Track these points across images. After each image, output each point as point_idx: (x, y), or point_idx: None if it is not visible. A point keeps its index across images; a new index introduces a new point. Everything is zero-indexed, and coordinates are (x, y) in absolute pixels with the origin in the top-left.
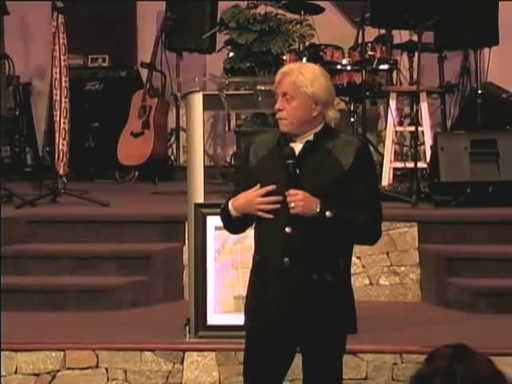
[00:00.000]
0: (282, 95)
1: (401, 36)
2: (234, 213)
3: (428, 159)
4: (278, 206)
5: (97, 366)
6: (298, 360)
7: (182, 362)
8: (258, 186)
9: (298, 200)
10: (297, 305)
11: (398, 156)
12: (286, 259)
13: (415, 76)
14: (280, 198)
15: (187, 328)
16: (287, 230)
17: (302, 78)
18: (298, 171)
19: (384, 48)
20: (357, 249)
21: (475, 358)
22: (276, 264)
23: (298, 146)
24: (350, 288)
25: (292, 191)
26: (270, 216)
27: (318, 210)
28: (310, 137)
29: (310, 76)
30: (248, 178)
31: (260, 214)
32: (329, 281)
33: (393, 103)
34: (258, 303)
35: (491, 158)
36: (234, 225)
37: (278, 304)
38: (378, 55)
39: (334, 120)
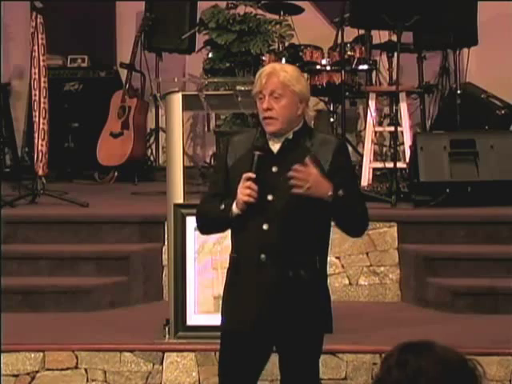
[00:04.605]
0: (269, 95)
1: (380, 36)
2: (236, 211)
3: (407, 159)
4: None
5: (76, 367)
6: (276, 359)
7: (161, 363)
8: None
9: (307, 179)
10: (272, 302)
11: (378, 156)
12: (263, 256)
13: (394, 76)
14: (252, 181)
15: (167, 328)
16: (264, 227)
17: (289, 77)
18: (275, 170)
19: (363, 48)
20: (336, 249)
21: (428, 346)
22: (252, 261)
23: (276, 146)
24: (326, 287)
25: (302, 168)
26: (253, 200)
27: (330, 192)
28: (290, 135)
29: (295, 75)
30: (225, 177)
31: (246, 199)
32: (304, 279)
33: (372, 103)
34: (235, 301)
35: (470, 158)
36: (227, 225)
37: (254, 302)
38: (358, 55)
39: (311, 118)
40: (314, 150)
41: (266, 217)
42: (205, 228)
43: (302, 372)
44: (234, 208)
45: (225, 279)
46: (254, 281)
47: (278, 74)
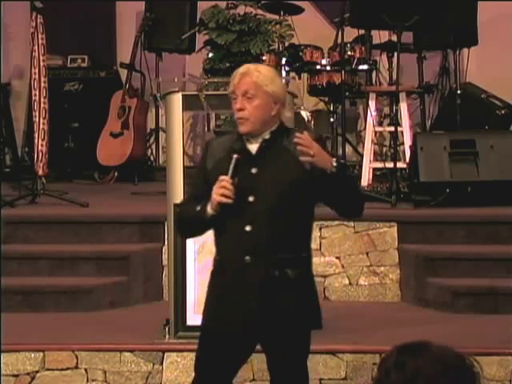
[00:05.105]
0: (241, 95)
1: (380, 36)
2: (211, 212)
3: (407, 159)
4: (230, 188)
5: (76, 367)
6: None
7: (161, 363)
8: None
9: (312, 146)
10: (259, 303)
11: (378, 156)
12: (247, 257)
13: (394, 76)
14: (228, 178)
15: (167, 328)
16: (247, 228)
17: (262, 77)
18: (254, 171)
19: (363, 48)
20: (336, 249)
21: (425, 347)
22: (237, 263)
23: (254, 147)
24: (312, 283)
25: (304, 136)
26: (228, 201)
27: (334, 163)
28: (267, 136)
29: (269, 75)
30: (205, 179)
31: (219, 199)
32: (291, 277)
33: (372, 103)
34: (220, 303)
35: (470, 158)
36: (204, 226)
37: (241, 303)
38: (358, 55)
39: (289, 119)
40: (293, 148)
41: (249, 218)
42: (183, 229)
43: (291, 371)
44: (209, 209)
45: (209, 281)
46: (239, 282)
47: (252, 74)
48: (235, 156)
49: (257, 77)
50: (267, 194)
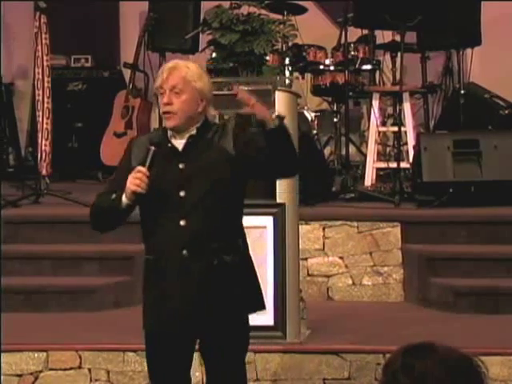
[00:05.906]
0: (169, 89)
1: (384, 36)
2: (125, 201)
3: (411, 159)
4: (145, 179)
5: (80, 367)
6: (279, 359)
7: None
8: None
9: (249, 98)
10: (200, 294)
11: (381, 156)
12: (185, 252)
13: (398, 76)
14: (144, 169)
15: None
16: (182, 223)
17: (191, 73)
18: (182, 166)
19: (367, 48)
20: (339, 249)
21: (431, 348)
22: (174, 258)
23: (180, 143)
24: (252, 267)
25: (241, 90)
26: (142, 191)
27: (274, 115)
28: (193, 131)
29: (198, 72)
30: (126, 176)
31: (134, 188)
32: (230, 264)
33: (376, 103)
34: (159, 301)
35: (474, 158)
36: (118, 216)
37: (183, 298)
38: (361, 55)
39: (213, 118)
40: (217, 139)
41: (182, 213)
42: (97, 220)
43: (228, 367)
44: (124, 198)
45: (144, 281)
46: (178, 277)
47: (181, 69)
48: (152, 148)
49: (186, 72)
50: (198, 188)
